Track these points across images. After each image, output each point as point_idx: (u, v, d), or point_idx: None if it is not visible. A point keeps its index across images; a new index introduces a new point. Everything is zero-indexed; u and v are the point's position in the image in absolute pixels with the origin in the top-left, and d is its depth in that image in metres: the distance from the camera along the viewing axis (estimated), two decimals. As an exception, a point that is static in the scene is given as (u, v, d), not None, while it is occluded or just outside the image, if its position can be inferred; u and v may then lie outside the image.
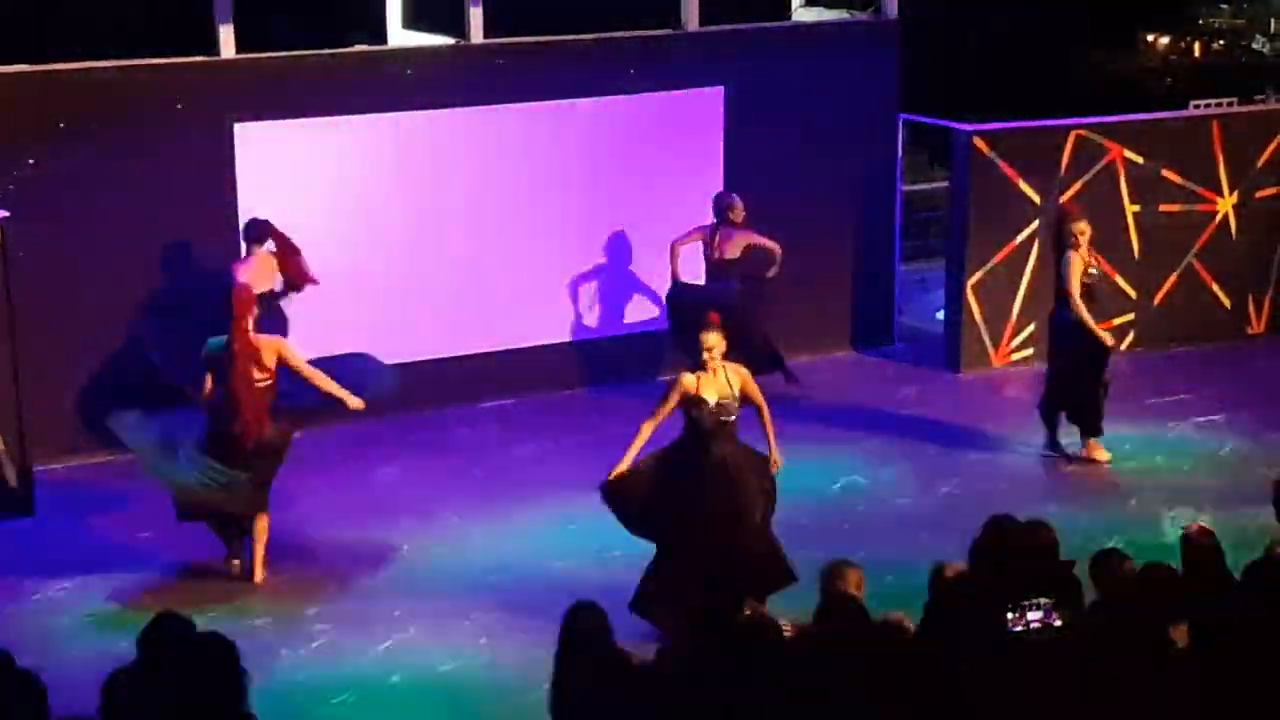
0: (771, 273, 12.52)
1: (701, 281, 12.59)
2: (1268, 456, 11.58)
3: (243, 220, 11.59)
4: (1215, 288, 14.16)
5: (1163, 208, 13.85)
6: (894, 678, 5.84)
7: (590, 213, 12.97)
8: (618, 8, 13.39)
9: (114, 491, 10.99)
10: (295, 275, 11.47)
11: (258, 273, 11.17)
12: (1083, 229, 11.21)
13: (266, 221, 11.38)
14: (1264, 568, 7.19)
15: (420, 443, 11.95)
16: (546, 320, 12.95)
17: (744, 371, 9.12)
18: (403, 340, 12.30)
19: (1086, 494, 11.09)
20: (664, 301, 12.82)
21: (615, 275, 13.16)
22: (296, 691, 8.58)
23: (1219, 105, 15.10)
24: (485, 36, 12.58)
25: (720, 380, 8.94)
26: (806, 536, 10.21)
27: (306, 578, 9.96)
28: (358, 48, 12.74)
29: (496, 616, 9.38)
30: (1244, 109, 15.45)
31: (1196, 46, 25.90)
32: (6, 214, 10.67)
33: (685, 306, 12.03)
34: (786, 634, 6.28)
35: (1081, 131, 13.60)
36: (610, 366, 13.17)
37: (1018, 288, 13.48)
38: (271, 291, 11.26)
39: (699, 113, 13.22)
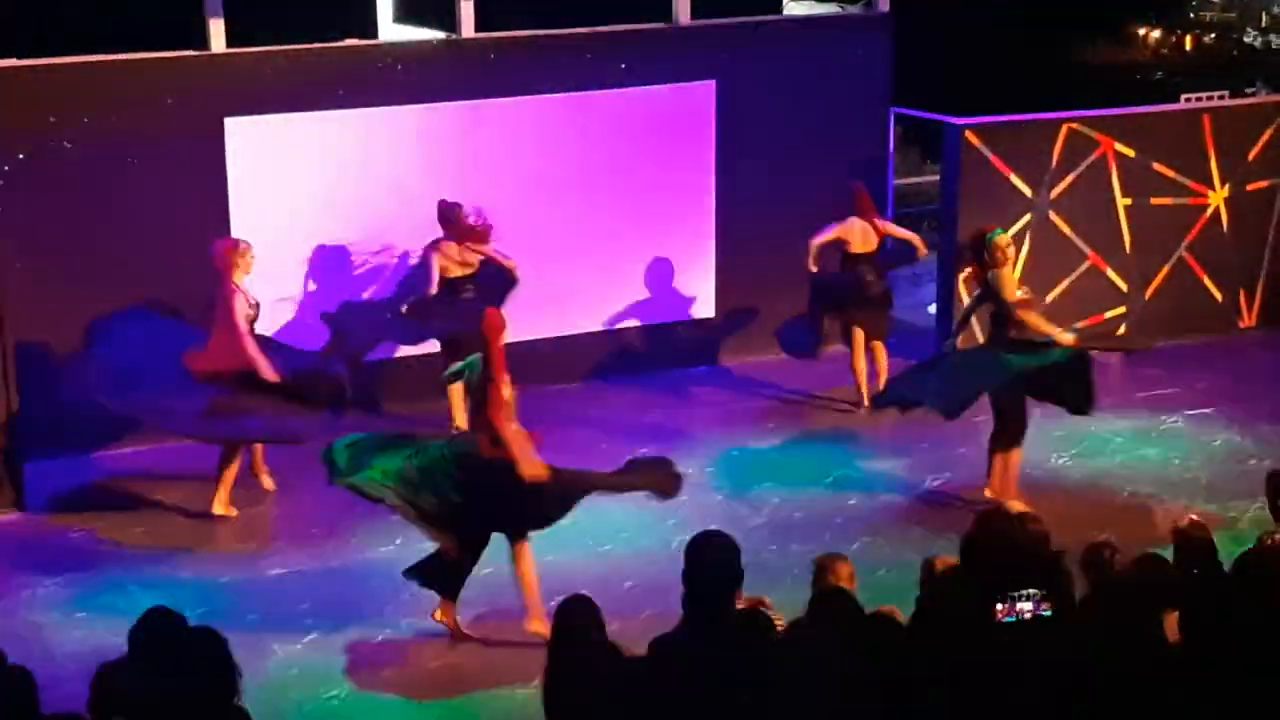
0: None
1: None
2: (1259, 449, 11.60)
3: (234, 215, 11.59)
4: (1207, 281, 14.17)
5: (1154, 201, 13.86)
6: (886, 670, 5.84)
7: (582, 207, 12.96)
8: (609, 2, 13.38)
9: (104, 486, 10.98)
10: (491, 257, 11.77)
11: (453, 258, 11.62)
12: (1004, 243, 10.63)
13: (457, 204, 11.72)
14: (1255, 560, 7.20)
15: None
16: (539, 314, 12.93)
17: None
18: (393, 335, 12.31)
19: (1077, 486, 11.10)
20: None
21: (607, 270, 13.15)
22: (288, 686, 8.58)
23: (1210, 98, 15.10)
24: (476, 31, 12.58)
25: None
26: (798, 530, 10.24)
27: (299, 572, 9.95)
28: (348, 42, 12.73)
29: (489, 610, 9.37)
30: (1235, 102, 15.45)
31: (1188, 39, 25.95)
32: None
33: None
34: (779, 627, 6.29)
35: (1073, 125, 13.60)
36: (602, 360, 13.17)
37: (1010, 281, 13.47)
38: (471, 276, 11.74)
39: (691, 107, 13.21)
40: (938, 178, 14.25)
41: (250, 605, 9.48)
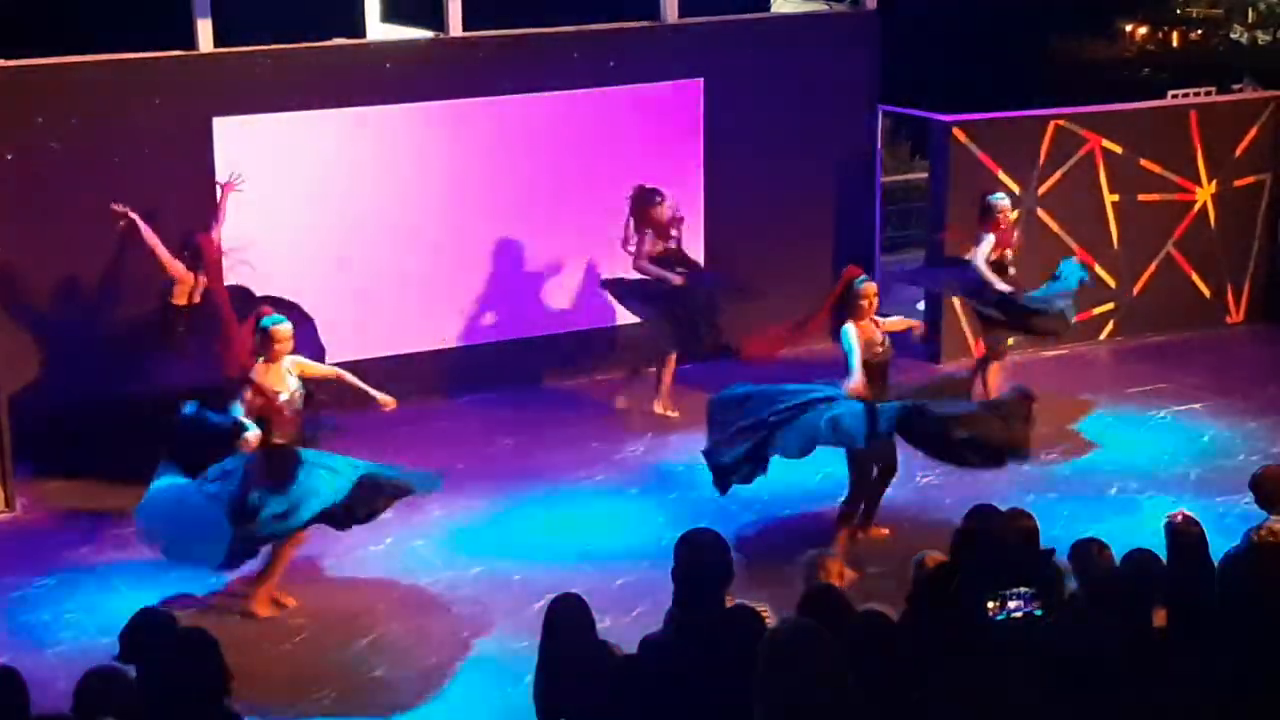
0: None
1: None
2: (1248, 444, 11.63)
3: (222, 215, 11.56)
4: (1194, 277, 14.20)
5: (1141, 197, 13.88)
6: (876, 668, 5.84)
7: (570, 205, 12.96)
8: (597, 0, 13.38)
9: (95, 486, 10.96)
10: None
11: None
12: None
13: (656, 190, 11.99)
14: (1244, 555, 7.22)
15: (401, 436, 11.92)
16: (528, 313, 12.94)
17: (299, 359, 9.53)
18: (382, 334, 12.31)
19: (1067, 483, 11.11)
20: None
21: (595, 268, 13.14)
22: (278, 687, 8.56)
23: (1197, 94, 15.13)
24: (464, 30, 12.57)
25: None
26: (788, 528, 10.25)
27: (287, 572, 9.93)
28: (336, 41, 12.72)
29: (479, 610, 9.37)
30: (1222, 98, 15.47)
31: (1175, 36, 25.99)
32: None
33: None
34: (769, 624, 6.28)
35: (1061, 121, 13.62)
36: (593, 360, 13.16)
37: (998, 278, 13.47)
38: None
39: (678, 105, 13.22)
40: (926, 175, 14.26)
41: (240, 606, 9.45)
